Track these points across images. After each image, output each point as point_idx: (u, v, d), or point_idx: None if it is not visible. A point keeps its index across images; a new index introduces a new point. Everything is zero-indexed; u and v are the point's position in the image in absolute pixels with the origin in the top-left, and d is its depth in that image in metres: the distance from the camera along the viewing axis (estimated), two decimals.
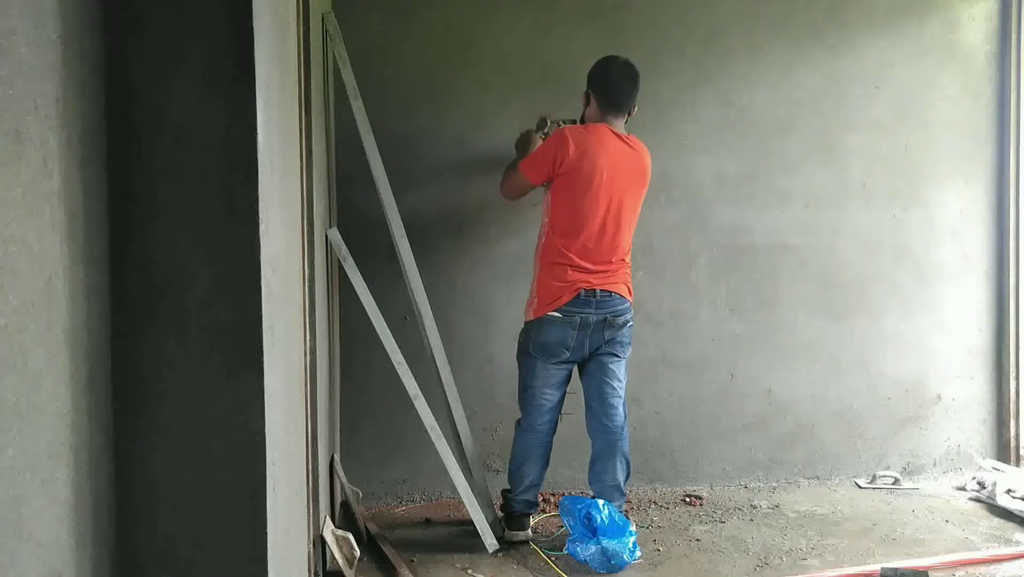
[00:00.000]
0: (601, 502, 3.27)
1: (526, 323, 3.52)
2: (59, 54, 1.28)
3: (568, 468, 3.98)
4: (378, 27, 3.89)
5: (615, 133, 3.44)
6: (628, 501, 3.90)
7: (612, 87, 3.45)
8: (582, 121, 3.59)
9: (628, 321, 3.47)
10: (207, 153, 1.54)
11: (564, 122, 3.98)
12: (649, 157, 3.53)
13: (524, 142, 3.70)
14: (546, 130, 3.75)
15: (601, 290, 3.40)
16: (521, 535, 3.49)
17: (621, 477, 3.48)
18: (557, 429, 3.58)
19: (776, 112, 4.19)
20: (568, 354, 3.44)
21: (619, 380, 3.49)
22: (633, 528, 3.34)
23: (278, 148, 1.92)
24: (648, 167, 3.51)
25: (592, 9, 4.05)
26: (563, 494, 3.91)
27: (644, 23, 4.07)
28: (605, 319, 3.40)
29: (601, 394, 3.47)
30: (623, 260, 3.48)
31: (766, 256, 4.21)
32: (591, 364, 3.49)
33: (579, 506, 3.26)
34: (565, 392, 3.54)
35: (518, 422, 3.58)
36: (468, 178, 3.98)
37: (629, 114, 3.51)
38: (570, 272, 3.38)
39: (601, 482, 3.48)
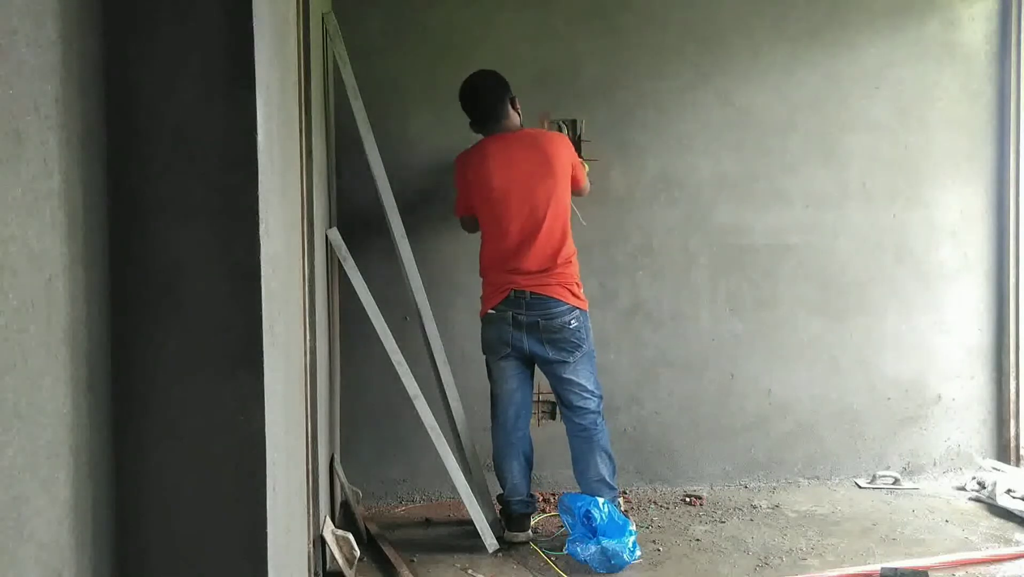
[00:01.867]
0: (601, 501, 3.27)
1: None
2: (59, 54, 1.28)
3: (568, 468, 3.97)
4: (378, 27, 3.89)
5: (501, 137, 3.48)
6: (627, 499, 3.91)
7: (468, 108, 3.55)
8: (564, 126, 3.71)
9: (567, 324, 3.44)
10: (207, 153, 1.54)
11: (564, 123, 3.99)
12: (552, 138, 3.52)
13: None
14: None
15: (531, 292, 3.42)
16: (520, 536, 3.50)
17: (604, 471, 3.49)
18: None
19: (776, 112, 4.18)
20: (509, 349, 3.48)
21: (579, 383, 3.49)
22: (633, 527, 3.34)
23: (278, 148, 1.92)
24: (552, 149, 3.45)
25: (592, 9, 4.05)
26: (564, 493, 3.91)
27: (644, 23, 4.07)
28: (538, 322, 3.42)
29: (565, 400, 3.53)
30: (561, 262, 3.44)
31: (766, 256, 4.21)
32: (547, 373, 3.56)
33: (579, 504, 3.26)
34: (529, 390, 3.59)
35: (491, 425, 3.63)
36: None
37: (512, 107, 3.53)
38: (502, 275, 3.45)
39: (585, 479, 3.51)
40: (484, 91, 3.53)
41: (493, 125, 3.51)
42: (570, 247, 3.48)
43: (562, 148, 3.49)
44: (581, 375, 3.49)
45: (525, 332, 3.43)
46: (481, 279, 3.57)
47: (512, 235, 3.42)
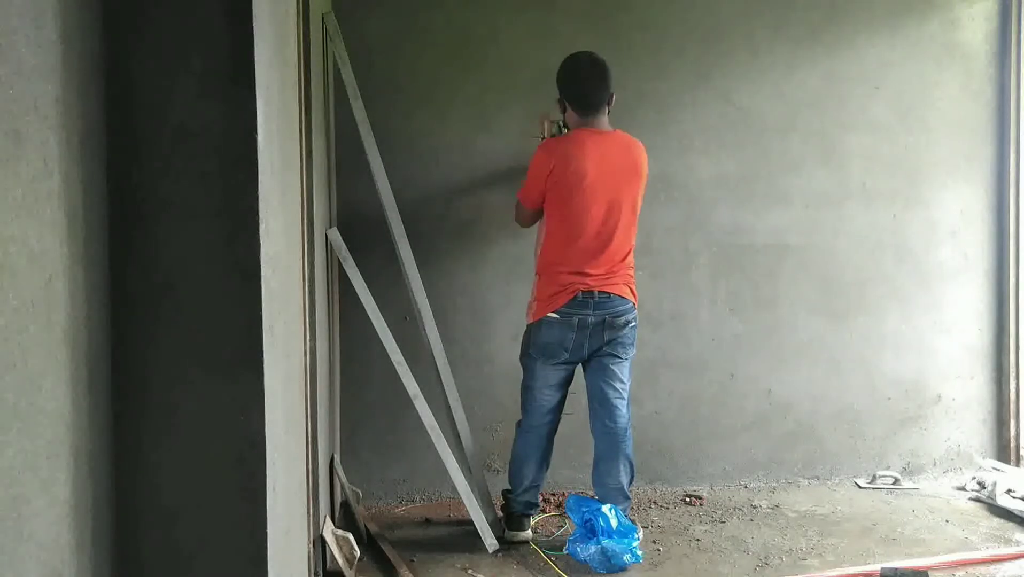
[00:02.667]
0: (607, 507, 3.25)
1: (527, 325, 3.52)
2: (59, 54, 1.28)
3: (569, 468, 3.98)
4: (378, 27, 3.89)
5: (597, 133, 3.42)
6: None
7: (581, 88, 3.43)
8: (565, 126, 3.58)
9: (629, 322, 3.44)
10: (207, 153, 1.54)
11: (564, 123, 3.99)
12: (641, 149, 3.48)
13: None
14: (550, 132, 3.72)
15: (599, 291, 3.38)
16: (521, 535, 3.49)
17: (624, 480, 3.47)
18: (558, 430, 3.58)
19: (776, 112, 4.18)
20: (567, 355, 3.43)
21: (622, 381, 3.48)
22: (639, 533, 3.34)
23: (278, 148, 1.92)
24: (640, 160, 3.45)
25: (592, 9, 4.05)
26: (564, 494, 3.92)
27: (644, 23, 4.07)
28: (604, 320, 3.39)
29: (603, 396, 3.46)
30: (623, 261, 3.45)
31: (766, 256, 4.21)
32: (593, 365, 3.48)
33: (583, 508, 3.26)
34: (566, 394, 3.54)
35: (518, 423, 3.58)
36: (468, 178, 3.98)
37: (608, 105, 3.46)
38: (567, 276, 3.38)
39: (604, 485, 3.47)
40: (594, 76, 3.42)
41: (592, 115, 3.43)
42: (633, 243, 3.49)
43: (645, 158, 3.48)
44: (626, 373, 3.49)
45: (590, 333, 3.39)
46: (537, 277, 3.49)
47: (588, 237, 3.37)
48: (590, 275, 3.38)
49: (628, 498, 3.50)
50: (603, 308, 3.39)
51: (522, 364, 3.55)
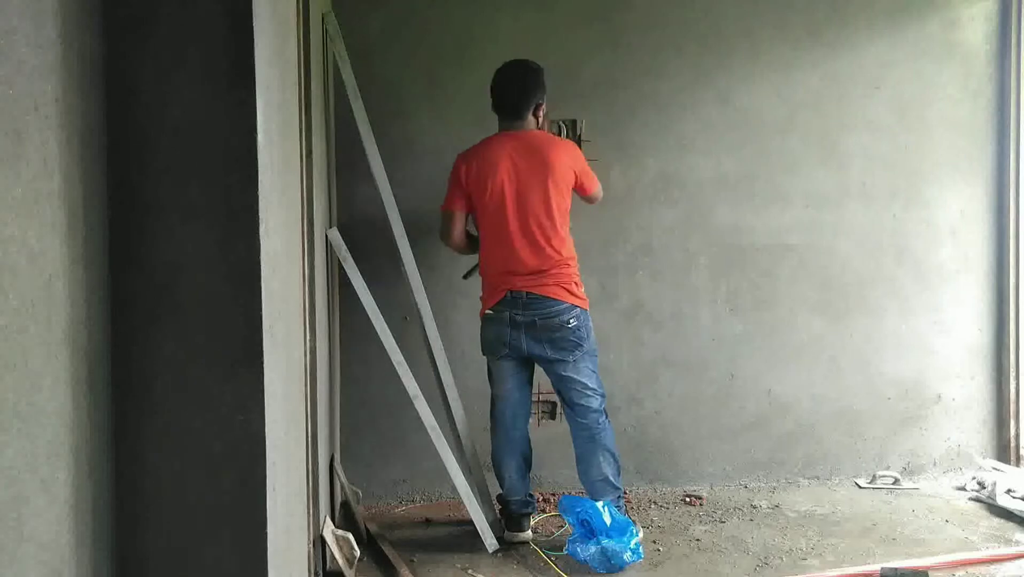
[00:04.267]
0: (600, 504, 3.26)
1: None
2: (59, 54, 1.28)
3: (569, 468, 3.97)
4: (378, 27, 3.89)
5: (509, 135, 3.46)
6: (627, 499, 3.90)
7: (497, 92, 3.50)
8: (564, 126, 3.68)
9: (566, 323, 3.43)
10: (207, 153, 1.54)
11: (564, 123, 3.99)
12: (557, 144, 3.48)
13: None
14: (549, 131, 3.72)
15: (528, 292, 3.41)
16: (520, 536, 3.50)
17: (608, 471, 3.48)
18: (532, 427, 3.61)
19: (776, 112, 4.18)
20: (507, 350, 3.47)
21: (580, 381, 3.48)
22: (638, 530, 3.34)
23: (278, 148, 1.92)
24: (554, 153, 3.42)
25: (592, 9, 4.05)
26: (564, 494, 3.92)
27: (644, 23, 4.07)
28: (535, 321, 3.41)
29: (566, 398, 3.52)
30: (561, 263, 3.43)
31: (766, 256, 4.21)
32: (548, 373, 3.55)
33: (577, 509, 3.26)
34: (528, 390, 3.58)
35: (490, 425, 3.63)
36: None
37: (535, 116, 3.49)
38: (500, 276, 3.45)
39: (588, 479, 3.50)
40: (510, 82, 3.47)
41: (510, 120, 3.48)
42: (569, 249, 3.47)
43: (564, 155, 3.46)
44: (582, 373, 3.48)
45: (523, 332, 3.42)
46: (481, 279, 3.58)
47: (511, 234, 3.41)
48: (519, 274, 3.42)
49: (617, 488, 3.51)
50: (533, 308, 3.42)
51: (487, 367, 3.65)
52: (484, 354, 3.59)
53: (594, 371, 3.52)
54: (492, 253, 3.48)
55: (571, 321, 3.44)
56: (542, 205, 3.41)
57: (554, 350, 3.44)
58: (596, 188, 3.61)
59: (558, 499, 3.90)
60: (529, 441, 3.62)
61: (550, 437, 4.01)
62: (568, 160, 3.47)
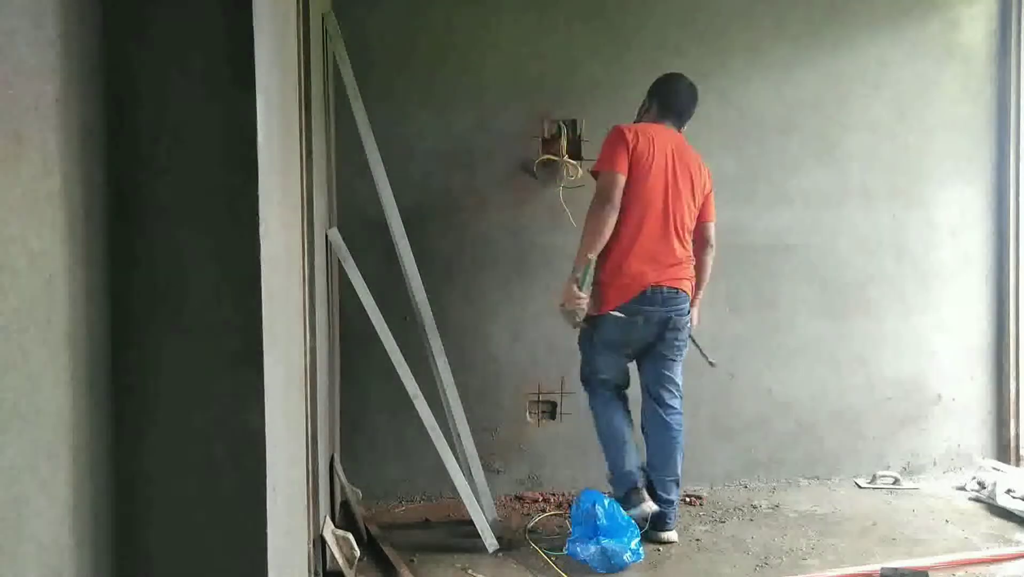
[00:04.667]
0: (606, 500, 3.26)
1: (589, 316, 3.44)
2: (59, 54, 1.28)
3: (569, 468, 3.98)
4: (378, 27, 3.89)
5: (669, 129, 3.52)
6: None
7: (676, 98, 3.55)
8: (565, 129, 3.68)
9: (688, 321, 3.49)
10: (207, 153, 1.55)
11: (564, 123, 3.99)
12: (703, 165, 3.56)
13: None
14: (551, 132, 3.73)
15: (667, 287, 3.40)
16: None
17: (679, 471, 3.52)
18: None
19: (776, 112, 4.19)
20: (630, 351, 3.48)
21: (676, 381, 3.52)
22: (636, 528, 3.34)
23: (278, 148, 1.92)
24: (701, 170, 3.52)
25: (592, 9, 4.05)
26: (564, 494, 3.92)
27: (644, 23, 4.07)
28: (670, 318, 3.41)
29: (659, 396, 3.51)
30: (688, 257, 3.48)
31: (766, 256, 4.21)
32: (649, 367, 3.51)
33: (584, 500, 3.26)
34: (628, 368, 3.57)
35: (590, 404, 3.57)
36: (468, 178, 3.98)
37: (684, 125, 3.60)
38: (636, 265, 3.36)
39: (662, 476, 3.49)
40: (692, 100, 3.58)
41: (673, 121, 3.55)
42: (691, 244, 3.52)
43: (705, 175, 3.55)
44: (678, 374, 3.52)
45: (653, 330, 3.41)
46: (607, 263, 3.37)
47: (655, 215, 3.38)
48: (660, 264, 3.37)
49: (680, 485, 3.54)
50: (670, 304, 3.41)
51: (582, 348, 3.56)
52: (596, 346, 3.48)
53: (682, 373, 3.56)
54: (636, 239, 3.36)
55: (688, 321, 3.49)
56: (690, 201, 3.45)
57: (668, 348, 3.45)
58: (714, 221, 3.63)
59: (558, 499, 3.91)
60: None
61: (550, 437, 4.01)
62: (708, 181, 3.56)
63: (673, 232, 3.41)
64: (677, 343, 3.46)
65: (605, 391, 3.55)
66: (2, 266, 1.09)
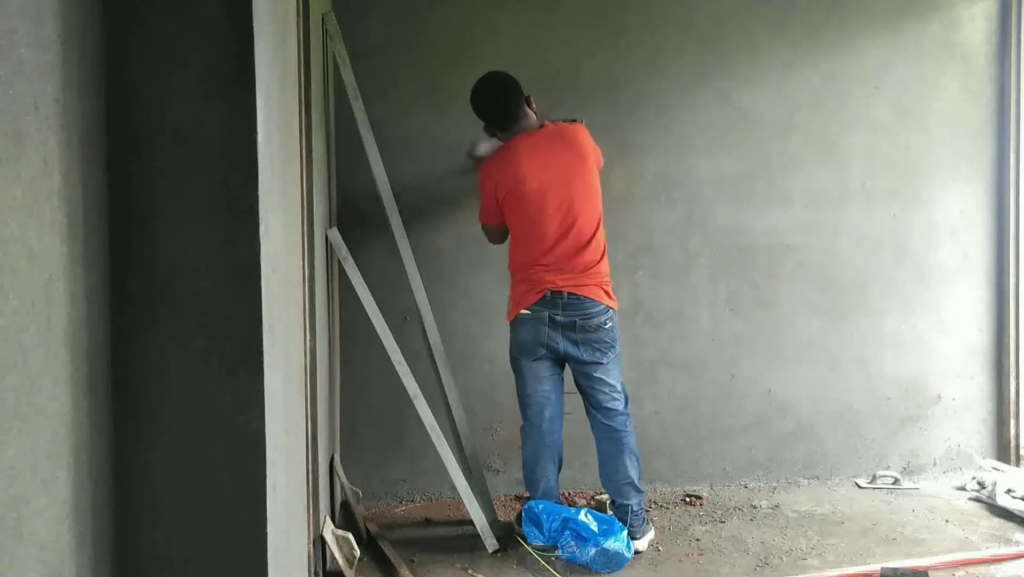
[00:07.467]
0: (583, 512, 3.25)
1: (510, 327, 3.53)
2: (59, 54, 1.28)
3: (568, 468, 3.96)
4: (378, 27, 3.89)
5: (526, 136, 3.46)
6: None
7: (485, 107, 3.52)
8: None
9: (603, 324, 3.43)
10: (207, 153, 1.55)
11: (564, 123, 3.99)
12: (576, 130, 3.49)
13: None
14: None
15: (569, 293, 3.39)
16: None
17: (633, 474, 3.46)
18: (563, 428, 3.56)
19: (776, 112, 4.18)
20: (544, 351, 3.44)
21: (609, 383, 3.47)
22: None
23: (278, 148, 1.92)
24: (579, 139, 3.45)
25: (592, 9, 4.05)
26: (565, 494, 3.92)
27: (644, 23, 4.07)
28: (575, 322, 3.40)
29: (595, 401, 3.48)
30: (598, 258, 3.44)
31: (766, 256, 4.21)
32: (578, 374, 3.49)
33: (552, 519, 3.24)
34: (562, 390, 3.53)
35: (522, 428, 3.57)
36: (468, 178, 3.98)
37: (530, 107, 3.52)
38: (537, 275, 3.41)
39: (613, 482, 3.47)
40: (499, 93, 3.50)
41: (513, 126, 3.49)
42: (602, 239, 3.48)
43: (586, 137, 3.49)
44: (612, 375, 3.47)
45: (561, 332, 3.40)
46: (511, 279, 3.52)
47: (549, 235, 3.39)
48: (559, 272, 3.39)
49: (641, 491, 3.50)
50: (573, 309, 3.40)
51: (512, 368, 3.57)
52: (515, 355, 3.51)
53: (620, 373, 3.52)
54: (528, 253, 3.43)
55: (607, 323, 3.44)
56: (582, 196, 3.41)
57: (589, 352, 3.42)
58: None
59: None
60: (562, 444, 3.58)
61: None
62: (589, 141, 3.50)
63: (572, 240, 3.39)
64: (596, 345, 3.42)
65: (533, 425, 3.51)
66: (2, 266, 1.09)
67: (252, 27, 1.56)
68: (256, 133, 1.56)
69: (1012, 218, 4.33)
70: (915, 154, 4.29)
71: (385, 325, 3.43)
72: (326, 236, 3.36)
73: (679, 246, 4.16)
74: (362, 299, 3.41)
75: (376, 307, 3.42)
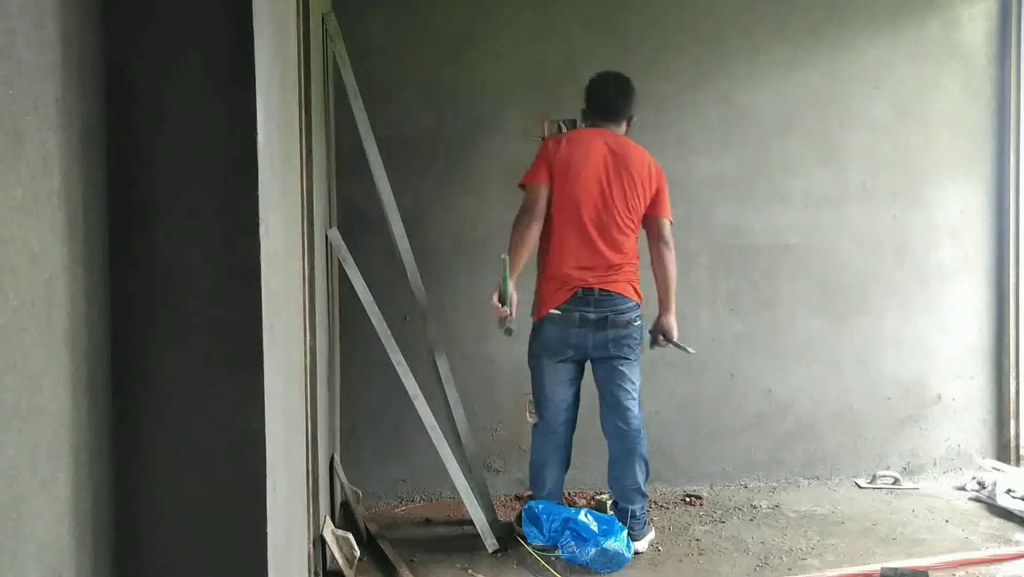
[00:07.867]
0: (583, 513, 3.25)
1: (533, 324, 3.50)
2: (59, 54, 1.28)
3: (571, 468, 3.97)
4: (378, 27, 3.89)
5: (605, 132, 3.46)
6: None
7: (602, 95, 3.49)
8: (564, 126, 3.65)
9: (632, 321, 3.43)
10: (207, 153, 1.55)
11: (564, 122, 3.99)
12: (650, 161, 3.47)
13: None
14: (550, 131, 3.73)
15: (600, 289, 3.38)
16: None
17: (641, 479, 3.46)
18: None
19: (776, 112, 4.18)
20: (571, 352, 3.42)
21: (632, 382, 3.46)
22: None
23: (278, 148, 1.92)
24: (646, 167, 3.44)
25: (592, 9, 4.05)
26: (566, 494, 3.92)
27: (644, 23, 4.07)
28: (606, 317, 3.38)
29: (614, 398, 3.45)
30: (626, 260, 3.43)
31: (766, 256, 4.21)
32: (601, 368, 3.46)
33: (552, 519, 3.24)
34: (579, 391, 3.51)
35: (534, 426, 3.55)
36: (468, 178, 3.99)
37: (628, 123, 3.53)
38: (567, 272, 3.38)
39: (622, 486, 3.46)
40: (619, 93, 3.50)
41: (605, 123, 3.50)
42: (635, 246, 3.48)
43: (662, 182, 3.48)
44: (635, 374, 3.47)
45: (591, 330, 3.38)
46: (541, 273, 3.47)
47: (589, 226, 3.37)
48: (590, 269, 3.37)
49: (646, 495, 3.49)
50: (604, 305, 3.38)
51: (531, 366, 3.53)
52: (537, 354, 3.47)
53: (639, 375, 3.51)
54: (565, 245, 3.39)
55: (637, 320, 3.45)
56: (626, 207, 3.40)
57: (616, 348, 3.41)
58: (669, 218, 3.53)
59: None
60: (571, 448, 3.56)
61: None
62: (661, 184, 3.49)
63: (608, 236, 3.39)
64: (625, 341, 3.42)
65: (548, 427, 3.48)
66: (2, 266, 1.09)
67: (252, 27, 1.56)
68: (256, 133, 1.56)
69: (1012, 218, 4.33)
70: (915, 154, 4.30)
71: (385, 325, 3.43)
72: (326, 236, 3.36)
73: (679, 246, 4.11)
74: (362, 299, 3.41)
75: (376, 307, 3.43)
